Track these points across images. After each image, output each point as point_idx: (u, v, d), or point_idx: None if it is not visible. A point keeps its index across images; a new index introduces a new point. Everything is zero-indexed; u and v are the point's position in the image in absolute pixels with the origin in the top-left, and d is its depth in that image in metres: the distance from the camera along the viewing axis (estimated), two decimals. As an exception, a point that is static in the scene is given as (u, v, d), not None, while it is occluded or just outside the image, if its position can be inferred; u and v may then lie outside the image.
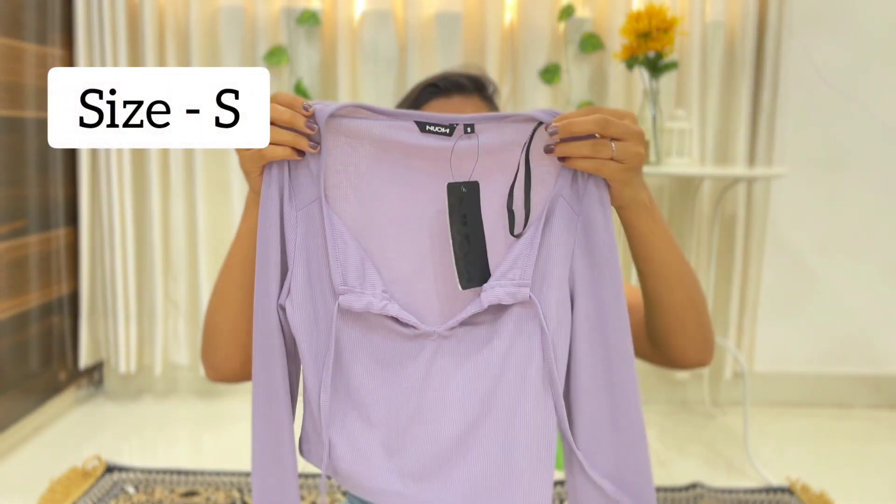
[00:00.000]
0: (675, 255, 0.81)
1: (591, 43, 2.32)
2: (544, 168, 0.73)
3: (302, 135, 0.71)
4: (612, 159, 0.71)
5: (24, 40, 2.12)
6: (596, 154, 0.70)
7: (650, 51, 2.01)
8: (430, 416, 0.75)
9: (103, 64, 2.28)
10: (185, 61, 2.33)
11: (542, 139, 0.73)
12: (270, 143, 0.71)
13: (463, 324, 0.75)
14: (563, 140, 0.71)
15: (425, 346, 0.75)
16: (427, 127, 0.71)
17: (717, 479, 1.98)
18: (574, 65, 2.37)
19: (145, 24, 2.27)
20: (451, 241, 0.73)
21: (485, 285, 0.73)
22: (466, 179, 0.73)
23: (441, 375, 0.75)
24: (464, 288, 0.73)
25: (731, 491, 1.90)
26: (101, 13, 2.26)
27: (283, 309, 0.75)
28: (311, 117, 0.72)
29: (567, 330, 0.75)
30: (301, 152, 0.72)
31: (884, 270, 2.49)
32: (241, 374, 0.89)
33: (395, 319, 0.75)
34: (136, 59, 2.32)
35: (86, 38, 2.30)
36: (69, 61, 2.32)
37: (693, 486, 1.89)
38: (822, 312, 2.51)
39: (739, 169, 2.24)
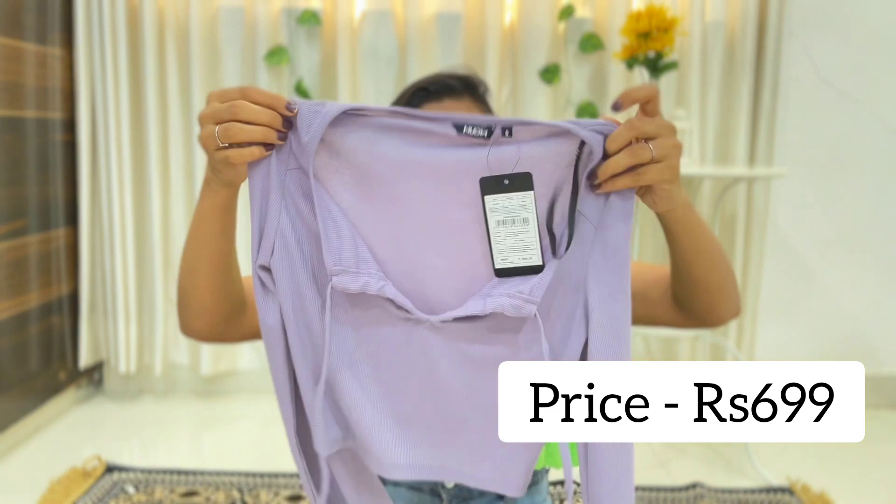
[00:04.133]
0: (710, 237, 0.83)
1: (591, 43, 2.32)
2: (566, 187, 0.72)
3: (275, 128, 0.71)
4: (651, 161, 0.69)
5: (24, 40, 2.12)
6: (635, 159, 0.68)
7: (650, 51, 2.01)
8: (419, 399, 0.76)
9: (103, 64, 2.28)
10: (185, 61, 2.33)
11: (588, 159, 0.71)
12: (239, 143, 0.70)
13: (457, 320, 0.74)
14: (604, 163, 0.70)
15: (415, 333, 0.75)
16: (465, 129, 0.69)
17: (717, 479, 1.97)
18: (574, 65, 2.37)
19: (145, 24, 2.27)
20: (487, 224, 0.71)
21: (493, 291, 0.72)
22: (512, 171, 0.70)
23: (429, 366, 0.75)
24: (497, 272, 0.72)
25: (731, 491, 1.90)
26: (101, 13, 2.26)
27: (266, 270, 0.75)
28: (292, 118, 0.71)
29: (574, 348, 0.75)
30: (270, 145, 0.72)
31: (883, 270, 2.49)
32: (208, 334, 0.91)
33: (391, 301, 0.74)
34: (136, 59, 2.32)
35: (86, 38, 2.30)
36: (69, 61, 2.32)
37: (693, 486, 1.89)
38: (821, 312, 2.51)
39: (739, 169, 2.24)
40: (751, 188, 2.38)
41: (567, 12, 2.31)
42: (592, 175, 0.70)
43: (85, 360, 2.41)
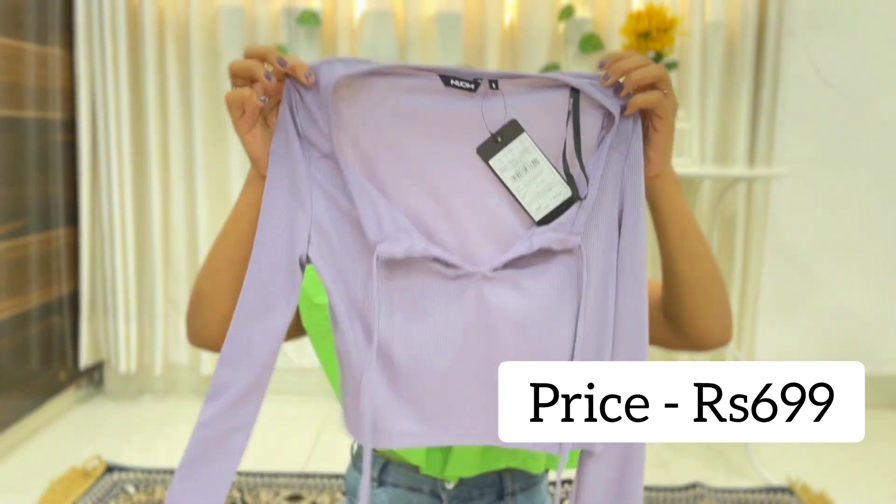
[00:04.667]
0: (698, 229, 0.82)
1: (591, 43, 2.32)
2: (588, 123, 0.74)
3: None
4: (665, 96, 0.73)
5: (24, 40, 2.12)
6: (662, 72, 0.72)
7: (650, 51, 2.01)
8: (473, 357, 0.75)
9: (103, 64, 2.28)
10: (185, 61, 2.33)
11: (586, 104, 0.73)
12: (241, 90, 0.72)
13: (507, 266, 0.74)
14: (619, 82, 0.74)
15: (469, 287, 0.74)
16: (451, 82, 0.71)
17: (717, 478, 1.98)
18: (574, 65, 2.37)
19: (145, 24, 2.27)
20: (504, 183, 0.73)
21: (536, 229, 0.74)
22: (506, 121, 0.72)
23: (485, 317, 0.74)
24: (539, 222, 0.73)
25: (731, 491, 1.90)
26: (101, 13, 2.26)
27: (307, 260, 0.75)
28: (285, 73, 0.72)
29: (614, 276, 0.76)
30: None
31: (883, 270, 2.49)
32: (218, 344, 0.89)
33: (437, 260, 0.74)
34: (136, 59, 2.32)
35: (86, 38, 2.30)
36: (69, 61, 2.32)
37: (693, 485, 1.89)
38: (821, 312, 2.51)
39: (739, 169, 2.24)
40: (750, 188, 2.38)
41: (567, 12, 2.31)
42: (619, 89, 0.73)
43: (85, 360, 2.41)
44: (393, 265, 0.74)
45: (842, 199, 2.46)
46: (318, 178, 0.74)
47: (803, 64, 2.39)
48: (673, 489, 1.89)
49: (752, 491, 1.90)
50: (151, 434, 2.25)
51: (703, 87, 2.34)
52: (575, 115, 0.72)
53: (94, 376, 2.53)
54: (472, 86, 0.71)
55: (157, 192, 2.35)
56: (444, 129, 0.72)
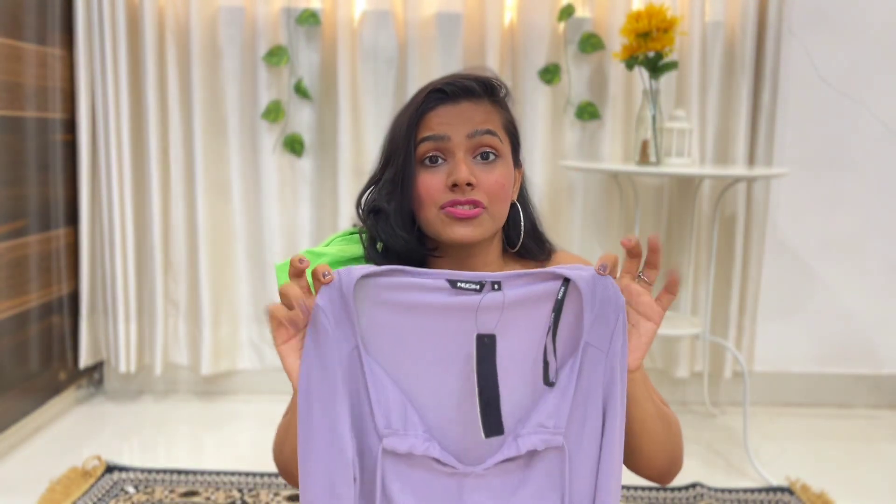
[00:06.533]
0: (659, 411, 0.87)
1: (590, 43, 2.32)
2: (569, 318, 0.78)
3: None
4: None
5: (24, 40, 2.12)
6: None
7: (650, 51, 2.01)
8: None
9: (103, 64, 2.28)
10: (185, 61, 2.33)
11: (572, 296, 0.77)
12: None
13: (497, 464, 0.79)
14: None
15: (464, 485, 0.80)
16: (458, 284, 0.76)
17: (717, 478, 1.97)
18: (574, 65, 2.37)
19: (145, 24, 2.27)
20: (476, 391, 0.77)
21: (522, 431, 0.78)
22: (489, 332, 0.77)
23: None
24: (487, 437, 0.77)
25: (731, 491, 1.90)
26: (101, 13, 2.26)
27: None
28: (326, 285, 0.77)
29: (595, 464, 0.80)
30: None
31: (883, 270, 2.49)
32: None
33: (436, 459, 0.79)
34: (136, 59, 2.33)
35: (86, 38, 2.30)
36: (69, 61, 2.32)
37: (693, 485, 1.89)
38: (821, 312, 2.51)
39: (739, 169, 2.24)
40: (750, 188, 2.38)
41: (567, 12, 2.31)
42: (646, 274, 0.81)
43: (85, 360, 2.41)
44: (400, 456, 0.79)
45: (842, 199, 2.46)
46: (352, 370, 0.79)
47: (803, 64, 2.39)
48: (673, 489, 1.89)
49: (752, 491, 1.90)
50: (151, 434, 2.25)
51: (703, 87, 2.35)
52: (560, 304, 0.77)
53: (94, 376, 2.53)
54: (478, 287, 0.76)
55: (157, 192, 2.36)
56: (447, 328, 0.78)
